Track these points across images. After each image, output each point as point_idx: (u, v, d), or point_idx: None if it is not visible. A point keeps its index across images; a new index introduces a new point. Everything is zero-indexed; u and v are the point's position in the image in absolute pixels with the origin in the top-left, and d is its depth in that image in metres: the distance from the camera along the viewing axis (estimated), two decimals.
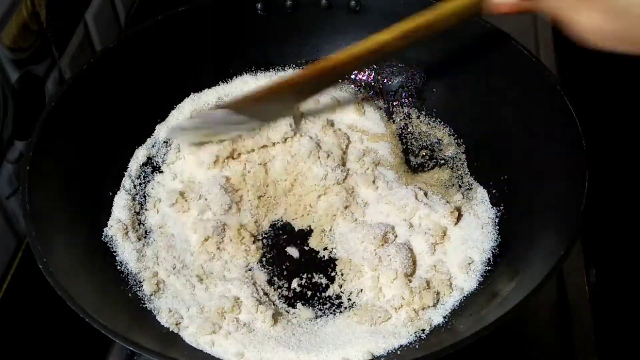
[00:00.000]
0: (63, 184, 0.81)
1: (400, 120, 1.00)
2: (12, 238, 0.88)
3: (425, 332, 0.77)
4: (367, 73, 1.03)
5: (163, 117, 0.96)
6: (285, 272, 0.85)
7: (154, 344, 0.70)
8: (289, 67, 1.03)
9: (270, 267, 0.85)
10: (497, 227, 0.86)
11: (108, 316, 0.69)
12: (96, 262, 0.80)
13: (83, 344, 0.81)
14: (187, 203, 0.88)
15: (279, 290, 0.83)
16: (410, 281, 0.81)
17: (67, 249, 0.76)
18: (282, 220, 0.90)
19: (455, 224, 0.86)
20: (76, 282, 0.72)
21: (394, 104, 1.01)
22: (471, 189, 0.91)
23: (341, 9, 1.00)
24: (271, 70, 1.02)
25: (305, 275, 0.84)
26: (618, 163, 0.99)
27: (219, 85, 1.00)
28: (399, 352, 0.75)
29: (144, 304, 0.80)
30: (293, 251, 0.87)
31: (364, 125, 0.98)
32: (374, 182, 0.91)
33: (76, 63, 0.99)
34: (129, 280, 0.81)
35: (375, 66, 1.03)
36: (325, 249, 0.87)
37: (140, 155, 0.93)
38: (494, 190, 0.90)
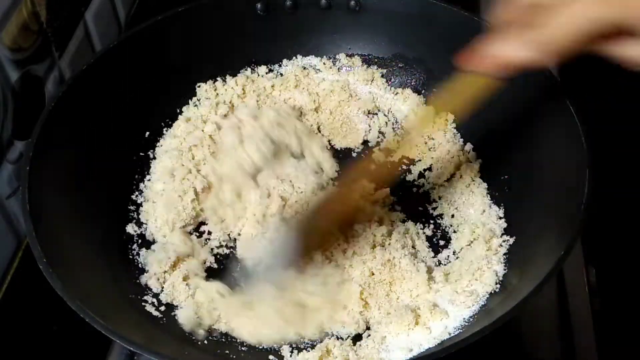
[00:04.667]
0: (63, 185, 0.81)
1: None
2: (12, 238, 0.88)
3: None
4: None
5: (163, 117, 0.97)
6: None
7: (154, 344, 0.71)
8: (289, 66, 1.03)
9: None
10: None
11: (109, 317, 0.69)
12: (97, 262, 0.80)
13: (83, 344, 0.81)
14: None
15: None
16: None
17: (67, 249, 0.76)
18: None
19: None
20: (76, 282, 0.71)
21: None
22: None
23: (341, 9, 1.00)
24: (269, 66, 1.03)
25: None
26: (618, 162, 0.99)
27: (218, 85, 1.00)
28: None
29: (145, 304, 0.80)
30: None
31: None
32: None
33: (76, 63, 0.99)
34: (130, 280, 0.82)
35: (376, 66, 1.03)
36: None
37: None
38: (494, 190, 0.90)
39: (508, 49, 0.63)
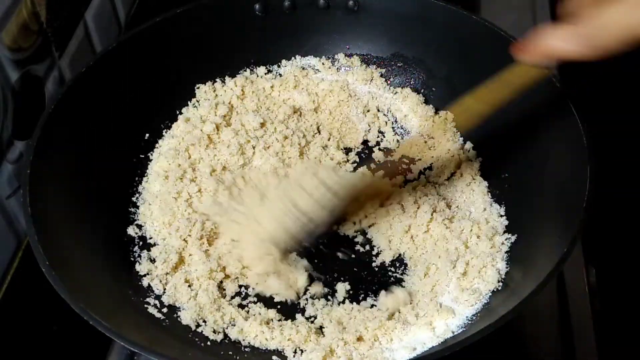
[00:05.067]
0: (64, 186, 0.81)
1: None
2: (12, 238, 0.88)
3: None
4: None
5: (163, 118, 0.96)
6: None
7: (157, 346, 0.71)
8: (288, 66, 1.03)
9: None
10: None
11: (111, 318, 0.69)
12: (98, 264, 0.80)
13: (83, 344, 0.81)
14: None
15: None
16: None
17: (68, 251, 0.76)
18: None
19: None
20: (79, 284, 0.71)
21: None
22: None
23: (339, 9, 1.00)
24: (268, 67, 1.03)
25: None
26: (619, 161, 0.99)
27: (218, 86, 1.00)
28: None
29: (147, 305, 0.79)
30: None
31: None
32: None
33: (76, 63, 0.99)
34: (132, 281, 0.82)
35: (375, 66, 1.03)
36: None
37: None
38: (494, 189, 0.90)
39: (557, 40, 0.66)
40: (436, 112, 0.98)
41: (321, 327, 0.79)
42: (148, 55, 0.94)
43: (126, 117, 0.92)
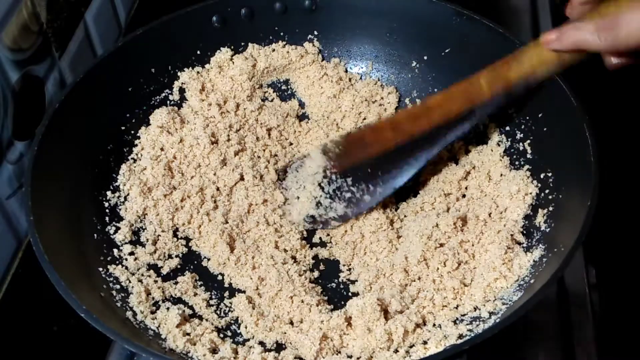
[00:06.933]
0: (66, 186, 0.81)
1: None
2: (12, 238, 0.88)
3: None
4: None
5: None
6: None
7: (154, 346, 0.71)
8: None
9: None
10: None
11: (112, 319, 0.70)
12: (100, 263, 0.80)
13: (83, 344, 0.82)
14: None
15: None
16: None
17: (70, 251, 0.76)
18: None
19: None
20: (79, 284, 0.71)
21: None
22: None
23: (297, 10, 0.98)
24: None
25: None
26: (619, 161, 0.99)
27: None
28: None
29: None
30: None
31: None
32: None
33: (76, 64, 0.99)
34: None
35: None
36: None
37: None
38: None
39: (582, 33, 0.71)
40: None
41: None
42: (149, 57, 0.94)
43: (129, 118, 0.92)
